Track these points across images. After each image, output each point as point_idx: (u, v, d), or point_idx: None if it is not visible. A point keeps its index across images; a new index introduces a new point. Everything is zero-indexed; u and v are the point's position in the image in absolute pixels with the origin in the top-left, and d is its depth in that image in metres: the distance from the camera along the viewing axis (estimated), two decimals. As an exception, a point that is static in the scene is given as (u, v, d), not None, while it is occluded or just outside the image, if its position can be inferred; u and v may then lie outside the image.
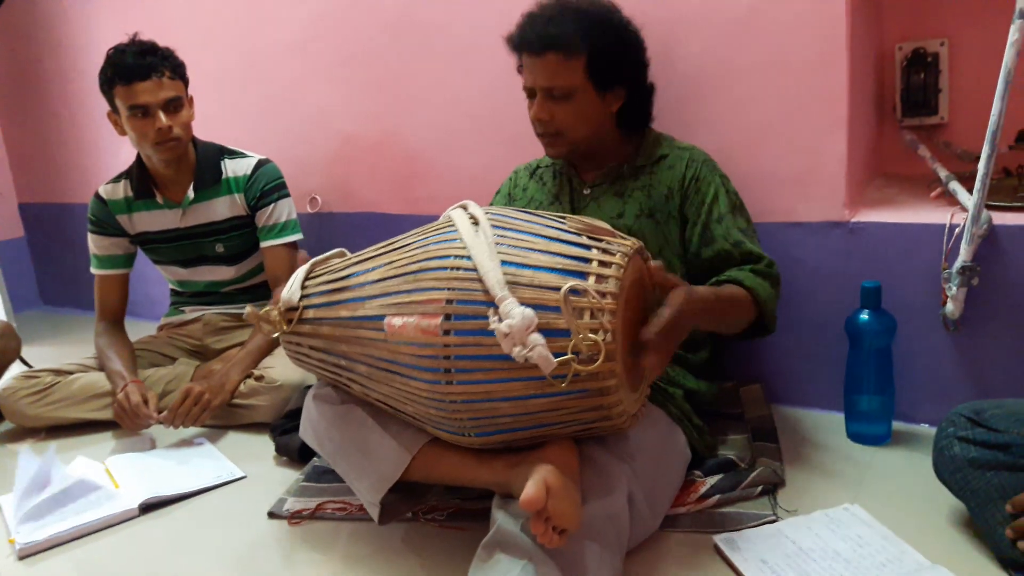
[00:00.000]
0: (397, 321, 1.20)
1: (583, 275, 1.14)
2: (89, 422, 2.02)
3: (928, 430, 1.63)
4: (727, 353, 1.78)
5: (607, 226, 1.23)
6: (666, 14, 1.69)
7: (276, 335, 1.39)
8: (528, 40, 1.50)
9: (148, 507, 1.62)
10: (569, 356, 1.09)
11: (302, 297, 1.36)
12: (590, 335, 1.09)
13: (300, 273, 1.38)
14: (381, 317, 1.22)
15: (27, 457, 1.70)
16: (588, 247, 1.18)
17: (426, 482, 1.39)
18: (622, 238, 1.22)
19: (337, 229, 2.37)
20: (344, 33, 2.22)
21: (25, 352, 2.36)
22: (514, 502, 1.15)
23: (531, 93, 1.54)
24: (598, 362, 1.09)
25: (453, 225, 1.25)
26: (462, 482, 1.32)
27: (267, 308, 1.37)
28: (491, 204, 1.78)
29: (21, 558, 1.50)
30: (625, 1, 1.58)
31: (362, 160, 2.31)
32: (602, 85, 1.51)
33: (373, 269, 1.30)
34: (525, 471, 1.14)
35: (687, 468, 1.47)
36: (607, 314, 1.11)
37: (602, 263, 1.16)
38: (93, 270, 2.17)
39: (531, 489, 1.06)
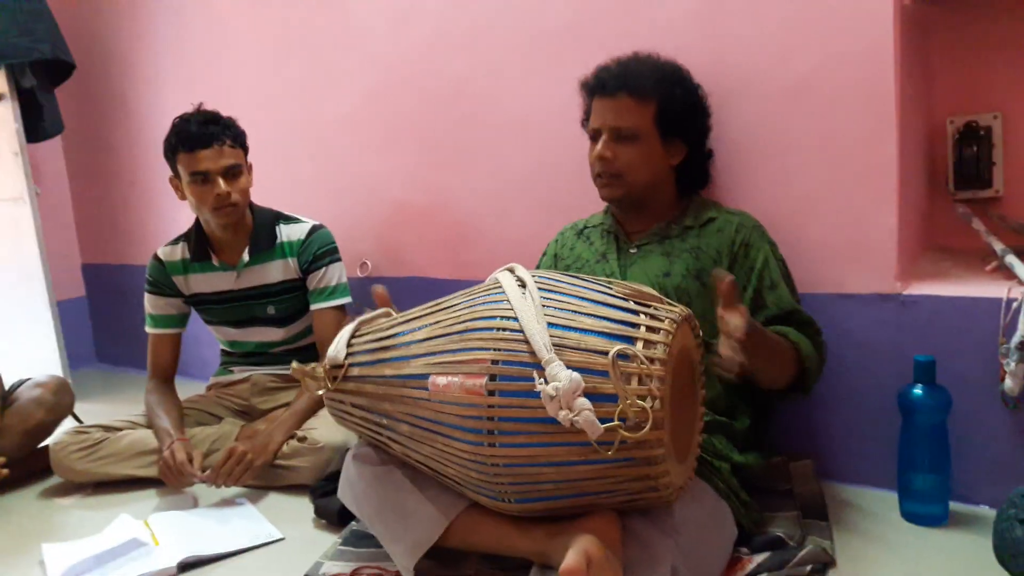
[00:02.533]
0: (441, 380, 1.20)
1: (631, 340, 1.14)
2: (135, 479, 2.04)
3: (988, 512, 1.55)
4: (775, 426, 1.74)
5: (655, 292, 1.23)
6: (716, 83, 1.72)
7: (320, 392, 1.40)
8: (603, 81, 1.59)
9: (186, 566, 1.62)
10: (616, 422, 1.08)
11: (347, 355, 1.37)
12: (638, 401, 1.08)
13: (346, 331, 1.40)
14: (425, 376, 1.23)
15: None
16: (636, 312, 1.18)
17: (463, 549, 1.37)
18: (670, 304, 1.21)
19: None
20: (397, 105, 2.30)
21: (78, 408, 2.41)
22: (553, 573, 1.13)
23: (596, 135, 1.60)
24: (645, 429, 1.07)
25: (500, 287, 1.27)
26: (500, 550, 1.30)
27: (313, 365, 1.39)
28: (538, 264, 1.80)
29: (61, 613, 1.50)
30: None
31: (411, 226, 2.35)
32: (667, 134, 1.57)
33: (419, 328, 1.31)
34: (565, 541, 1.12)
35: (734, 545, 1.42)
36: (655, 380, 1.10)
37: (650, 328, 1.15)
38: (148, 329, 2.23)
39: (571, 559, 1.04)
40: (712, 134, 1.71)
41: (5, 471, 1.96)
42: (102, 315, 3.34)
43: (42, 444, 2.15)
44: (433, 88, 2.23)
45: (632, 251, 1.64)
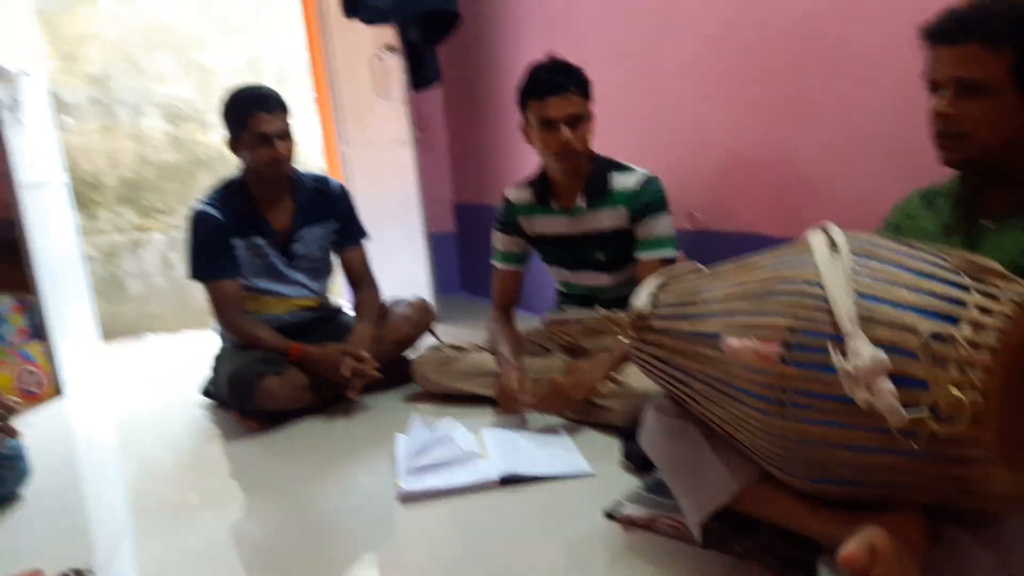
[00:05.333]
0: (735, 342, 1.16)
1: (954, 320, 0.99)
2: (475, 395, 2.29)
3: None
4: None
5: (999, 268, 1.05)
6: None
7: (624, 341, 1.44)
8: (946, 27, 1.33)
9: (506, 480, 1.79)
10: (924, 413, 0.96)
11: (651, 307, 1.38)
12: (953, 391, 0.94)
13: (652, 283, 1.41)
14: (720, 336, 1.20)
15: (419, 424, 2.03)
16: (967, 289, 1.02)
17: (755, 517, 1.33)
18: (1017, 283, 1.03)
19: (714, 247, 2.36)
20: (737, 50, 2.20)
21: (442, 330, 2.76)
22: (838, 560, 1.05)
23: (935, 88, 1.36)
24: (959, 424, 0.94)
25: (810, 248, 1.17)
26: (790, 526, 1.24)
27: (619, 314, 1.43)
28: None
29: (401, 501, 1.77)
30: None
31: (744, 178, 2.26)
32: None
33: (721, 287, 1.27)
34: (854, 529, 1.03)
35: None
36: (979, 370, 0.95)
37: (983, 309, 0.99)
38: (494, 263, 2.46)
39: (852, 547, 0.96)
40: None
41: (378, 374, 2.33)
42: (468, 249, 3.74)
43: (407, 356, 2.51)
44: (777, 30, 2.09)
45: (988, 224, 1.38)
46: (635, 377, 2.02)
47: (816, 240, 1.18)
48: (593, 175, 2.23)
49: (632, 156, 2.32)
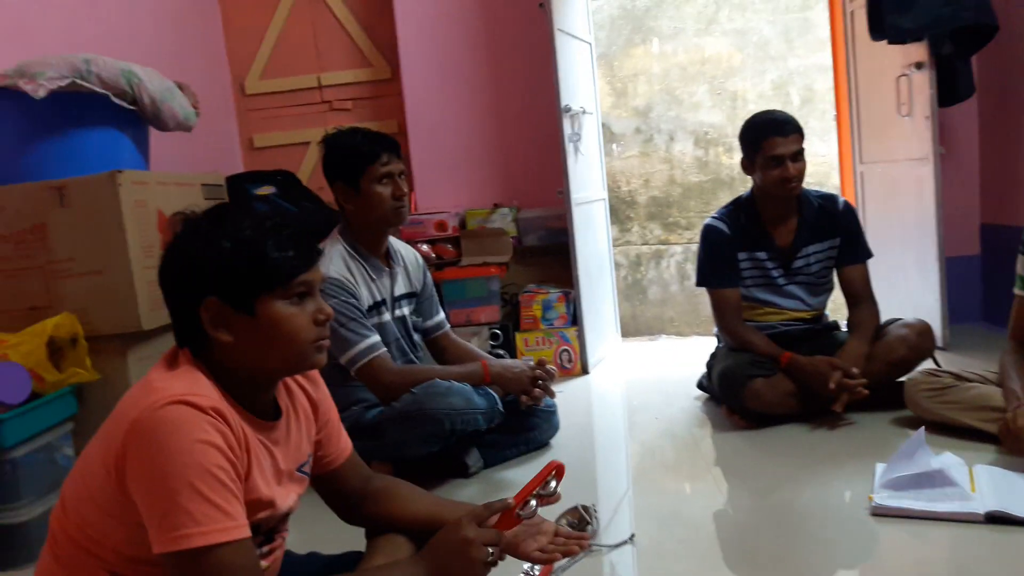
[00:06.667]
0: None
1: None
2: (972, 429, 2.13)
3: None
4: None
5: None
6: None
7: None
8: None
9: (994, 518, 1.67)
10: None
11: None
12: None
13: None
14: None
15: (909, 443, 1.96)
16: None
17: None
18: None
19: None
20: None
21: (947, 358, 2.59)
22: None
23: None
24: None
25: None
26: None
27: None
28: None
29: (873, 515, 1.78)
30: None
31: None
32: None
33: None
34: None
35: None
36: None
37: None
38: (1016, 291, 2.23)
39: None
40: None
41: (866, 392, 2.32)
42: (994, 275, 3.36)
43: (900, 379, 2.43)
44: None
45: None
46: None
47: None
48: None
49: None
